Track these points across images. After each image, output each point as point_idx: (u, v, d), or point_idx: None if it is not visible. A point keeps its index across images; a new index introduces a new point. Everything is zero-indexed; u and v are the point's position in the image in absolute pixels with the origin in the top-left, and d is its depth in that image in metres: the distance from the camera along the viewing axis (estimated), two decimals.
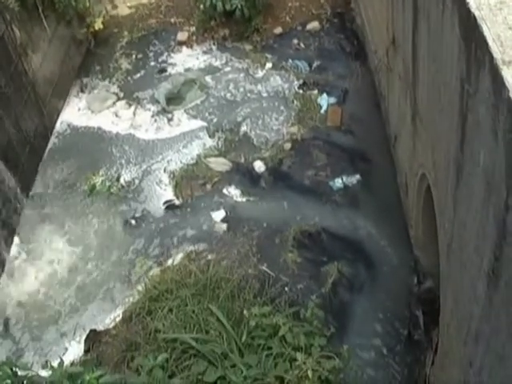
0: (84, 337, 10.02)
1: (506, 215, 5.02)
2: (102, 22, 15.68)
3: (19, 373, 7.02)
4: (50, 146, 13.24)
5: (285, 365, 8.17)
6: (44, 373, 9.01)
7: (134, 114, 13.77)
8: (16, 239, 11.49)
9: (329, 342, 8.74)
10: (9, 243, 11.32)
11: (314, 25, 15.65)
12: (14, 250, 11.35)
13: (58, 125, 13.64)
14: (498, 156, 5.12)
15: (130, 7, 17.05)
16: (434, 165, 8.06)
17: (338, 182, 11.88)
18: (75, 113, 13.92)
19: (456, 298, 7.05)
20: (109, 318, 10.13)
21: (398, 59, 10.66)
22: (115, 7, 16.94)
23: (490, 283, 5.53)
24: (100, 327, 10.06)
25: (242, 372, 8.15)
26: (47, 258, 11.20)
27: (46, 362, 9.47)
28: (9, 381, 6.83)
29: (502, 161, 5.03)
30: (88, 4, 14.80)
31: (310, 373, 7.92)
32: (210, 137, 13.03)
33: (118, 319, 9.93)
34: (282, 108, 13.52)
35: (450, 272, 7.38)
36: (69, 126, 13.61)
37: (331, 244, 10.91)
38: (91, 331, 10.03)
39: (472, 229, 6.08)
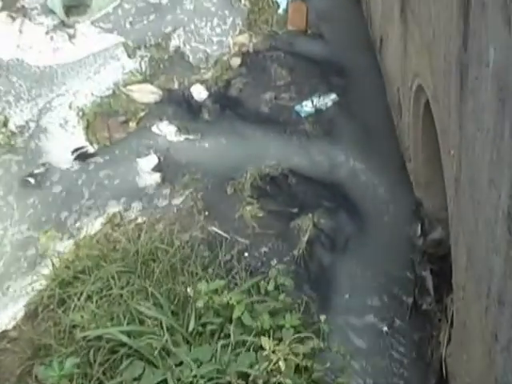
0: None
1: None
2: None
3: None
4: None
5: (248, 356, 8.08)
6: None
7: (21, 30, 13.42)
8: None
9: (304, 321, 8.71)
10: None
11: None
12: None
13: None
14: None
15: None
16: (433, 72, 8.00)
17: (306, 106, 11.80)
18: None
19: (470, 250, 6.99)
20: (6, 316, 9.86)
21: None
22: None
23: None
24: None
25: (192, 370, 8.02)
26: None
27: None
28: None
29: None
30: None
31: (281, 364, 7.86)
32: (129, 56, 12.87)
33: (19, 316, 9.73)
34: (225, 10, 13.39)
35: (461, 215, 7.31)
36: None
37: (303, 189, 10.83)
38: None
39: (484, 153, 5.99)
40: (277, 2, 13.36)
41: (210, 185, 10.91)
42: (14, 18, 13.60)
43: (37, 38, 13.25)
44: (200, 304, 8.54)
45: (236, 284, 9.26)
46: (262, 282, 9.08)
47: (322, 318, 8.65)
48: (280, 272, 9.09)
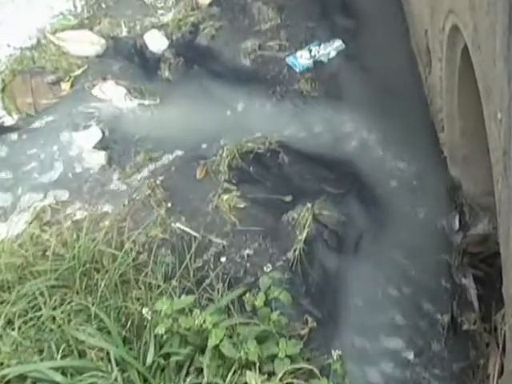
0: None
1: None
2: None
3: None
4: None
5: None
6: None
7: None
8: None
9: (304, 349, 8.60)
10: None
11: None
12: None
13: None
14: None
15: None
16: (473, 6, 7.94)
17: (302, 57, 11.84)
18: None
19: None
20: None
21: None
22: None
23: None
24: None
25: None
26: None
27: None
28: None
29: None
30: None
31: None
32: None
33: None
34: None
35: None
36: None
37: (298, 170, 10.80)
38: None
39: None
40: None
41: (173, 167, 10.92)
42: None
43: None
44: (161, 329, 8.42)
45: (211, 300, 9.15)
46: (247, 296, 8.91)
47: (336, 354, 8.36)
48: (271, 281, 8.95)
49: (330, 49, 11.90)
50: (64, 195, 10.74)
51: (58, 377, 8.27)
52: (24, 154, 11.30)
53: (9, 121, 11.67)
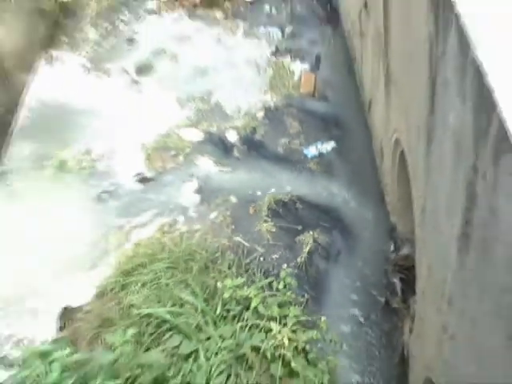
0: (58, 314, 9.82)
1: (474, 178, 4.99)
2: None
3: None
4: (18, 121, 12.94)
5: (260, 335, 8.10)
6: (15, 352, 9.07)
7: (104, 85, 13.51)
8: None
9: (304, 311, 8.69)
10: None
11: None
12: None
13: (26, 99, 13.34)
14: (466, 118, 5.10)
15: None
16: (407, 129, 8.06)
17: (312, 150, 11.80)
18: (44, 86, 13.58)
19: (430, 263, 7.05)
20: (82, 295, 9.88)
21: (370, 23, 10.61)
22: None
23: (462, 247, 5.52)
24: (74, 304, 9.84)
25: (217, 344, 8.11)
26: (14, 234, 10.90)
27: (18, 341, 9.48)
28: None
29: (470, 123, 5.00)
30: None
31: (286, 341, 7.90)
32: (181, 107, 12.85)
33: (91, 295, 9.75)
34: (254, 76, 13.41)
35: (425, 237, 7.38)
36: (38, 100, 13.28)
37: (306, 212, 10.82)
38: (65, 308, 9.85)
39: (443, 193, 6.08)
40: (293, 72, 13.41)
41: (237, 206, 10.91)
42: (99, 77, 13.76)
43: (115, 91, 13.34)
44: (226, 295, 8.65)
45: (253, 281, 9.26)
46: (274, 281, 9.13)
47: (323, 318, 8.49)
48: (287, 274, 9.11)
49: (328, 146, 11.86)
50: (176, 217, 10.82)
51: (168, 316, 8.52)
52: (157, 193, 11.36)
53: (149, 174, 11.70)
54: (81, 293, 9.97)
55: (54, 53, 14.48)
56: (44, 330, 9.69)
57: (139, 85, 13.44)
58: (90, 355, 7.32)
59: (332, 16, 14.83)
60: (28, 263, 10.57)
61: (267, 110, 12.67)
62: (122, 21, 15.21)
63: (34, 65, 14.13)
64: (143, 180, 11.62)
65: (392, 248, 10.23)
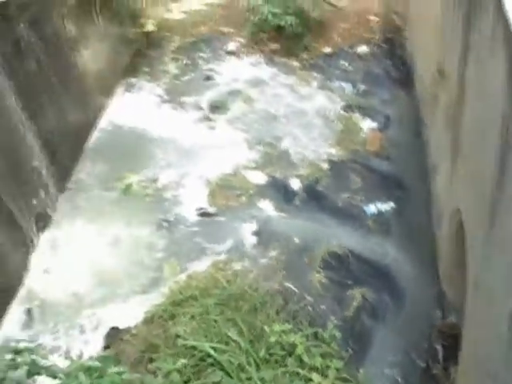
0: (104, 333, 10.03)
1: None
2: (155, 25, 16.00)
3: (37, 361, 7.15)
4: (91, 141, 13.43)
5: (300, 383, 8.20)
6: (61, 363, 9.25)
7: (178, 118, 13.92)
8: (47, 233, 11.57)
9: (346, 365, 8.72)
10: (39, 233, 11.42)
11: (362, 48, 15.87)
12: (43, 240, 11.42)
13: (101, 121, 13.85)
14: None
15: (183, 12, 17.44)
16: (470, 200, 8.05)
17: (371, 207, 11.87)
18: (119, 111, 14.13)
19: (477, 337, 7.06)
20: (131, 317, 10.06)
21: (443, 90, 10.68)
22: (169, 11, 17.35)
23: None
24: (121, 325, 10.03)
25: None
26: (76, 253, 11.23)
27: (65, 353, 9.68)
28: (27, 367, 6.97)
29: None
30: (142, 5, 14.95)
31: None
32: (249, 149, 13.12)
33: (140, 319, 9.93)
34: (323, 127, 13.60)
35: (475, 310, 7.38)
36: (112, 123, 13.80)
37: (358, 268, 10.85)
38: (112, 328, 10.05)
39: (501, 271, 6.09)
40: (361, 128, 13.58)
41: (292, 252, 10.98)
42: (174, 109, 14.19)
43: (188, 124, 13.75)
44: (272, 339, 8.73)
45: (300, 329, 9.25)
46: (319, 332, 9.19)
47: (362, 371, 8.62)
48: (333, 326, 9.17)
49: (387, 206, 11.88)
50: (231, 255, 10.92)
51: (212, 352, 8.61)
52: (216, 230, 11.52)
53: (211, 210, 11.89)
54: (129, 315, 10.16)
55: (134, 80, 15.01)
56: (89, 347, 9.92)
57: (211, 122, 13.79)
58: (139, 377, 7.45)
59: (405, 78, 15.00)
60: (82, 280, 10.85)
61: (332, 163, 12.80)
62: (202, 58, 15.68)
63: (113, 89, 14.66)
64: (204, 214, 11.81)
65: (439, 314, 10.17)
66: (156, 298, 10.24)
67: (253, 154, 13.03)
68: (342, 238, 11.33)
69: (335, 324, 9.33)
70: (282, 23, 15.07)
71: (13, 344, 7.60)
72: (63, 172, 12.40)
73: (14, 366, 6.91)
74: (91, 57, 13.78)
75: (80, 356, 9.40)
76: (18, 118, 11.12)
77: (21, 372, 6.87)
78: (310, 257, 10.90)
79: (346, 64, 15.40)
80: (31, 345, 8.17)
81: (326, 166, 12.76)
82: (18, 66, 11.22)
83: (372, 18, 16.82)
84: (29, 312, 10.53)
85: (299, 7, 15.42)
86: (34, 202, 11.40)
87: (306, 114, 13.91)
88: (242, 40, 16.12)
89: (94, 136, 13.59)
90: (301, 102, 14.19)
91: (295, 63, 15.30)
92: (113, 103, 14.41)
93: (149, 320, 9.82)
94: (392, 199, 12.08)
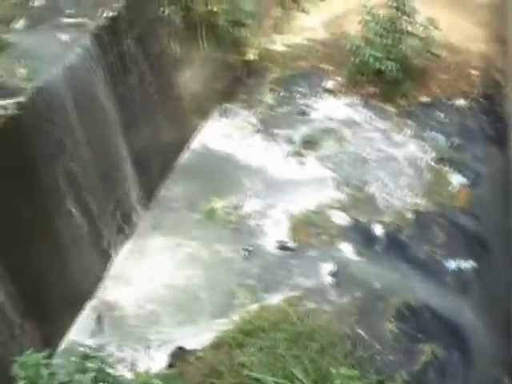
0: (170, 351, 10.14)
1: None
2: (256, 54, 16.22)
3: (104, 368, 7.29)
4: (181, 161, 13.71)
5: None
6: (127, 375, 9.39)
7: (269, 148, 14.10)
8: (127, 246, 11.85)
9: None
10: (119, 248, 11.71)
11: (460, 101, 15.73)
12: (122, 255, 11.70)
13: (193, 143, 14.12)
14: None
15: (285, 45, 17.66)
16: None
17: (452, 264, 11.67)
18: (212, 135, 14.39)
19: None
20: (199, 340, 10.20)
21: None
22: (271, 42, 17.57)
23: None
24: (188, 346, 10.15)
25: None
26: (153, 269, 11.46)
27: (130, 366, 9.82)
28: (94, 373, 7.11)
29: None
30: (246, 34, 15.17)
31: None
32: (336, 189, 13.09)
33: (207, 343, 10.02)
34: (412, 177, 13.48)
35: None
36: (203, 146, 14.07)
37: (431, 323, 10.67)
38: (178, 348, 10.17)
39: None
40: (450, 182, 13.40)
41: (367, 297, 10.90)
42: (266, 139, 14.35)
43: (278, 156, 13.91)
44: (337, 382, 8.63)
45: (366, 377, 9.15)
46: (385, 382, 9.11)
47: None
48: (401, 378, 9.04)
49: (469, 264, 11.59)
50: (305, 292, 10.91)
51: None
52: (293, 264, 11.54)
53: (291, 244, 11.93)
54: (197, 337, 10.30)
55: (230, 106, 15.24)
56: (154, 363, 10.03)
57: (302, 157, 13.86)
58: None
59: (500, 136, 14.76)
60: (156, 296, 11.06)
61: (417, 213, 12.64)
62: (299, 92, 15.81)
63: (209, 113, 14.90)
64: (284, 248, 11.84)
65: (506, 382, 9.87)
66: (225, 324, 10.33)
67: (339, 194, 12.99)
68: (418, 290, 11.17)
69: (401, 376, 9.18)
70: (383, 67, 15.02)
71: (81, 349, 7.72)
72: (150, 188, 12.65)
73: (82, 371, 7.09)
74: (192, 78, 14.08)
75: (144, 371, 9.49)
76: (114, 129, 11.46)
77: (87, 377, 7.06)
78: (385, 305, 10.80)
79: (442, 115, 15.22)
80: (101, 353, 8.36)
81: (410, 215, 12.60)
82: (121, 79, 11.58)
83: (473, 71, 16.64)
84: (99, 320, 10.77)
85: (401, 53, 15.37)
86: (118, 214, 11.68)
87: (397, 161, 13.82)
88: (340, 79, 16.13)
89: (185, 156, 13.84)
90: (392, 149, 14.11)
91: (391, 109, 15.21)
92: (207, 126, 14.65)
93: (216, 345, 9.91)
94: (474, 258, 11.82)
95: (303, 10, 18.68)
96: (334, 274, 11.34)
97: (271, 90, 15.87)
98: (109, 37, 11.11)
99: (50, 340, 9.69)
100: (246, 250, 11.78)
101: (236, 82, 15.88)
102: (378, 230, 12.27)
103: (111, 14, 11.28)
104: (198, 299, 11.01)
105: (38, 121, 9.44)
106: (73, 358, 7.14)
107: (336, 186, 13.16)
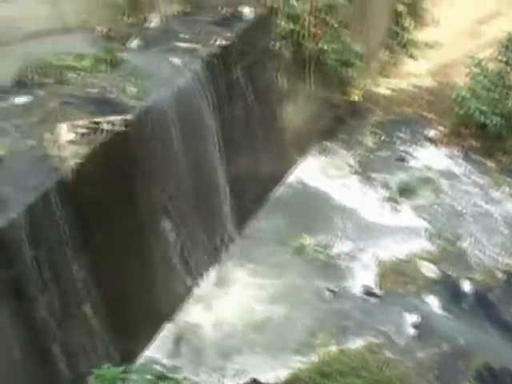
0: (244, 382, 10.18)
1: None
2: (361, 95, 16.25)
3: None
4: (276, 194, 13.84)
5: None
6: None
7: (364, 191, 14.11)
8: (213, 272, 12.00)
9: None
10: (205, 273, 11.87)
11: None
12: (207, 281, 11.85)
13: (290, 177, 14.25)
14: None
15: (390, 89, 17.61)
16: None
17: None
18: (309, 171, 14.49)
19: None
20: (274, 375, 10.23)
21: None
22: (376, 85, 17.55)
23: None
24: (263, 379, 10.17)
25: None
26: (236, 298, 11.60)
27: None
28: None
29: None
30: (353, 75, 15.23)
31: None
32: (428, 240, 12.95)
33: (282, 378, 10.02)
34: (507, 236, 13.19)
35: None
36: (300, 181, 14.19)
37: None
38: (253, 380, 10.19)
39: None
40: None
41: (447, 354, 10.69)
42: (362, 182, 14.36)
43: (372, 200, 13.90)
44: None
45: None
46: None
47: None
48: None
49: None
50: (386, 341, 10.80)
51: None
52: (377, 311, 11.47)
53: (376, 291, 11.84)
54: (273, 371, 10.34)
55: (329, 145, 15.32)
56: None
57: (397, 204, 13.79)
58: None
59: None
60: (237, 325, 11.19)
61: (509, 274, 12.37)
62: (399, 138, 15.75)
63: (308, 149, 14.99)
64: (369, 294, 11.79)
65: None
66: (303, 363, 10.33)
67: (430, 245, 12.84)
68: (502, 353, 10.91)
69: None
70: (487, 122, 14.79)
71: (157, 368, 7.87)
72: (243, 217, 12.77)
73: None
74: (295, 113, 14.22)
75: None
76: (214, 155, 11.65)
77: None
78: (465, 364, 10.55)
79: None
80: (176, 375, 8.50)
81: (501, 275, 12.34)
82: (226, 107, 11.80)
83: None
84: (177, 342, 10.95)
85: (507, 109, 15.10)
86: (209, 239, 11.87)
87: (492, 218, 13.57)
88: (442, 129, 15.96)
89: (280, 189, 13.96)
90: (489, 205, 13.86)
91: (492, 164, 14.94)
92: (305, 162, 14.76)
93: (291, 382, 9.89)
94: None
95: (411, 56, 18.51)
96: (416, 326, 11.19)
97: (372, 132, 15.87)
98: (219, 65, 11.39)
99: (127, 355, 9.91)
100: (332, 290, 11.77)
101: (338, 121, 15.92)
102: (467, 287, 12.05)
103: (224, 42, 11.58)
104: (277, 334, 11.07)
105: (142, 139, 9.72)
106: (148, 376, 7.24)
107: (428, 237, 13.02)
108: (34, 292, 8.25)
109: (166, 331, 11.06)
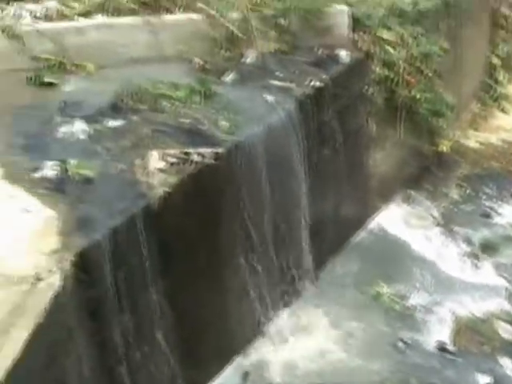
0: None
1: None
2: (449, 147, 16.04)
3: None
4: (356, 239, 13.75)
5: None
6: None
7: (445, 244, 13.85)
8: (287, 311, 11.89)
9: None
10: (279, 311, 11.78)
11: None
12: (280, 319, 11.74)
13: (371, 223, 14.15)
14: None
15: (479, 142, 17.38)
16: None
17: None
18: (391, 219, 14.34)
19: None
20: None
21: None
22: (465, 137, 17.33)
23: None
24: None
25: None
26: (307, 340, 11.44)
27: None
28: None
29: None
30: (443, 125, 15.07)
31: None
32: (507, 300, 12.58)
33: None
34: None
35: None
36: (381, 228, 14.05)
37: None
38: None
39: None
40: None
41: None
42: (443, 234, 14.17)
43: (452, 255, 13.64)
44: None
45: None
46: None
47: None
48: None
49: None
50: None
51: None
52: (448, 369, 11.12)
53: (450, 348, 11.53)
54: None
55: (413, 194, 15.18)
56: None
57: (478, 260, 13.48)
58: None
59: None
60: (305, 368, 10.98)
61: None
62: (485, 193, 15.49)
63: (391, 196, 14.86)
64: (443, 350, 11.46)
65: None
66: None
67: (509, 306, 12.45)
68: None
69: None
70: None
71: None
72: (321, 260, 12.64)
73: None
74: (382, 159, 14.15)
75: None
76: (299, 195, 11.62)
77: None
78: None
79: None
80: None
81: None
82: (316, 148, 11.81)
83: None
84: (245, 378, 10.82)
85: None
86: (286, 278, 11.78)
87: None
88: None
89: (361, 235, 13.85)
90: None
91: None
92: (387, 209, 14.62)
93: None
94: None
95: (503, 110, 18.20)
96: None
97: (458, 185, 15.64)
98: (312, 106, 11.40)
99: None
100: (405, 342, 11.50)
101: (424, 170, 15.73)
102: None
103: (318, 84, 11.59)
104: (346, 382, 10.87)
105: (230, 173, 9.78)
106: None
107: (508, 297, 12.62)
108: (111, 314, 8.32)
109: (235, 366, 10.97)
